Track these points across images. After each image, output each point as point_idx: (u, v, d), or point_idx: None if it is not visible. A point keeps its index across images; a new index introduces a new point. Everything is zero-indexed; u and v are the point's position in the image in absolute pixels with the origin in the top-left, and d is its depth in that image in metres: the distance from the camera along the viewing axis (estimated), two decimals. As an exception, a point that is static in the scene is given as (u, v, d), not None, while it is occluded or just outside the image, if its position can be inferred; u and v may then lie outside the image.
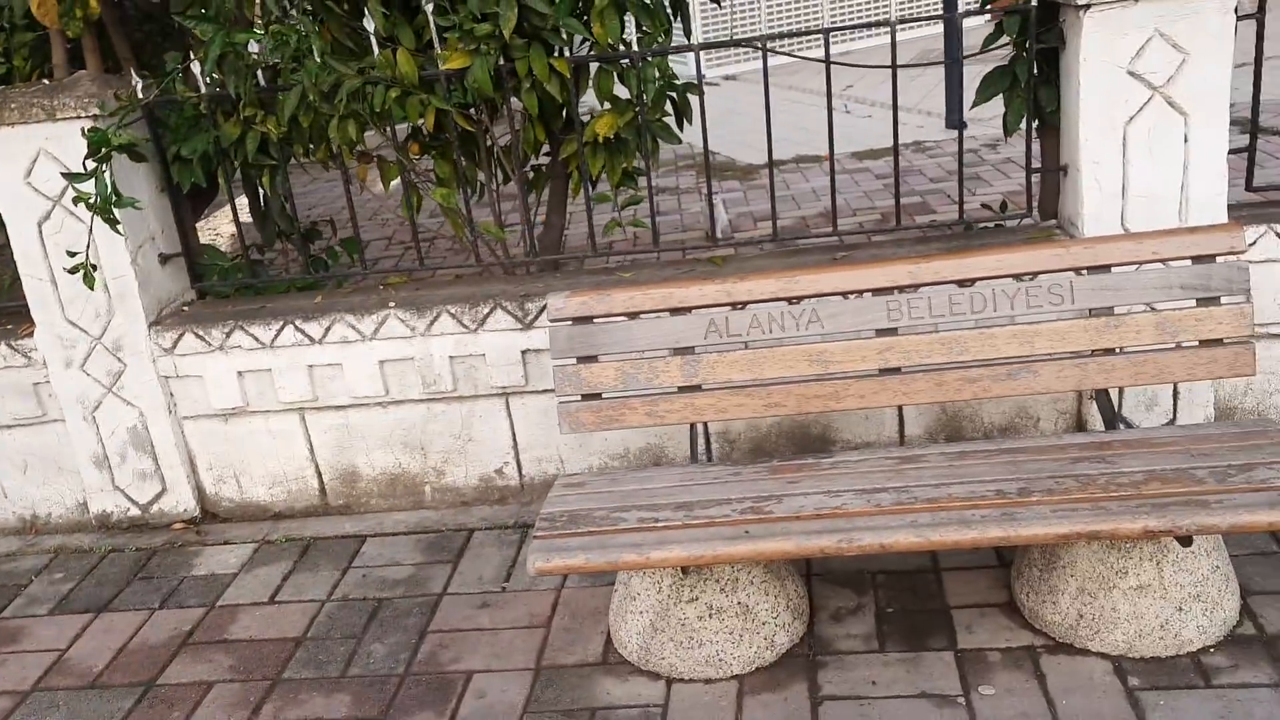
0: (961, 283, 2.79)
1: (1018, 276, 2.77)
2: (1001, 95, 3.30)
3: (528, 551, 2.51)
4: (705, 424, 3.08)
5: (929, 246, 3.41)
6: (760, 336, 2.82)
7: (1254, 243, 3.12)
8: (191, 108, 3.45)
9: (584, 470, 3.55)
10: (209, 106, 3.43)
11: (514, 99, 3.34)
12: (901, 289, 2.80)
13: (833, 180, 3.50)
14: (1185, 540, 2.44)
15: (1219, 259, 2.70)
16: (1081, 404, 3.34)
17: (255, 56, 3.27)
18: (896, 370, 2.81)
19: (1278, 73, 8.49)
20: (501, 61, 3.21)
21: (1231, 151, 3.06)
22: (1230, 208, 3.17)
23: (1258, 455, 2.49)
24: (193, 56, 3.32)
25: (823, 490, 2.56)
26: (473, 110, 3.50)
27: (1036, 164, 3.38)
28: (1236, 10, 2.92)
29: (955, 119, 7.70)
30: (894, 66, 3.19)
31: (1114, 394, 3.23)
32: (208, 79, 3.34)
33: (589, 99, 3.65)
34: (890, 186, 7.15)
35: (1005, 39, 3.19)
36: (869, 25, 3.24)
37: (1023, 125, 3.31)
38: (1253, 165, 3.23)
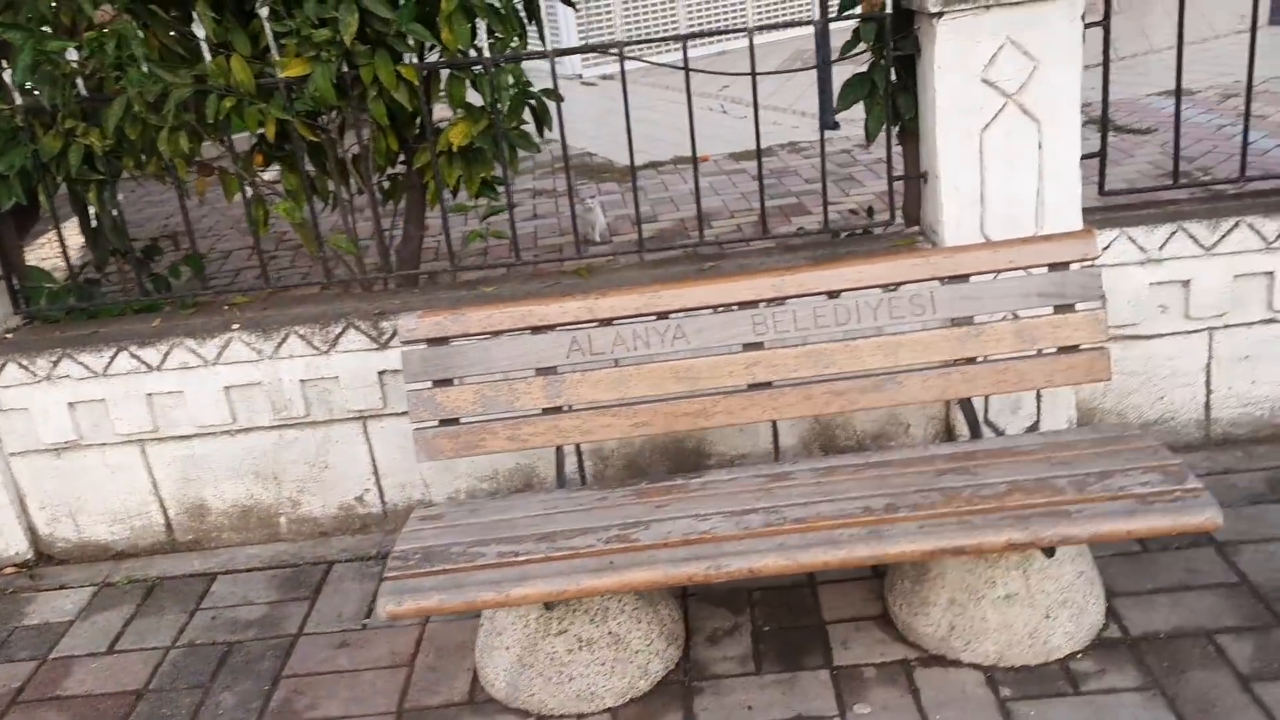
0: (826, 294, 2.74)
1: (881, 287, 2.74)
2: (863, 102, 3.28)
3: (379, 594, 2.35)
4: (577, 445, 2.97)
5: (796, 255, 3.37)
6: (625, 354, 2.73)
7: (1107, 247, 3.17)
8: (6, 121, 3.16)
9: (451, 494, 3.40)
10: (25, 119, 3.16)
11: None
12: (767, 302, 2.75)
13: (696, 187, 3.43)
14: (1049, 551, 2.44)
15: (1073, 266, 2.71)
16: (950, 409, 3.34)
17: (75, 65, 3.01)
18: (765, 385, 2.75)
19: (1128, 73, 8.86)
20: (346, 68, 3.03)
21: (1084, 157, 3.10)
22: (1085, 211, 3.21)
23: (1116, 462, 2.51)
24: (4, 65, 3.04)
25: (691, 514, 2.48)
26: (322, 118, 3.31)
27: (899, 170, 3.37)
28: (1084, 18, 2.95)
29: (827, 120, 7.78)
30: (753, 74, 3.13)
31: (979, 400, 3.24)
32: (21, 89, 3.06)
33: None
34: (768, 187, 7.15)
35: (863, 46, 3.17)
36: (727, 32, 3.19)
37: (885, 131, 3.29)
38: (1104, 169, 3.28)
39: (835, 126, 7.90)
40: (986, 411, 3.29)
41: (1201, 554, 2.91)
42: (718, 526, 2.41)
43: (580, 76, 11.13)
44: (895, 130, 3.32)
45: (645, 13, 12.10)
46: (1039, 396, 3.29)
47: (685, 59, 3.15)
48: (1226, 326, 3.26)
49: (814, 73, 9.11)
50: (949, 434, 3.37)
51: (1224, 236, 3.15)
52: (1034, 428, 3.30)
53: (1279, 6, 9.85)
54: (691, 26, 11.99)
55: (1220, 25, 10.15)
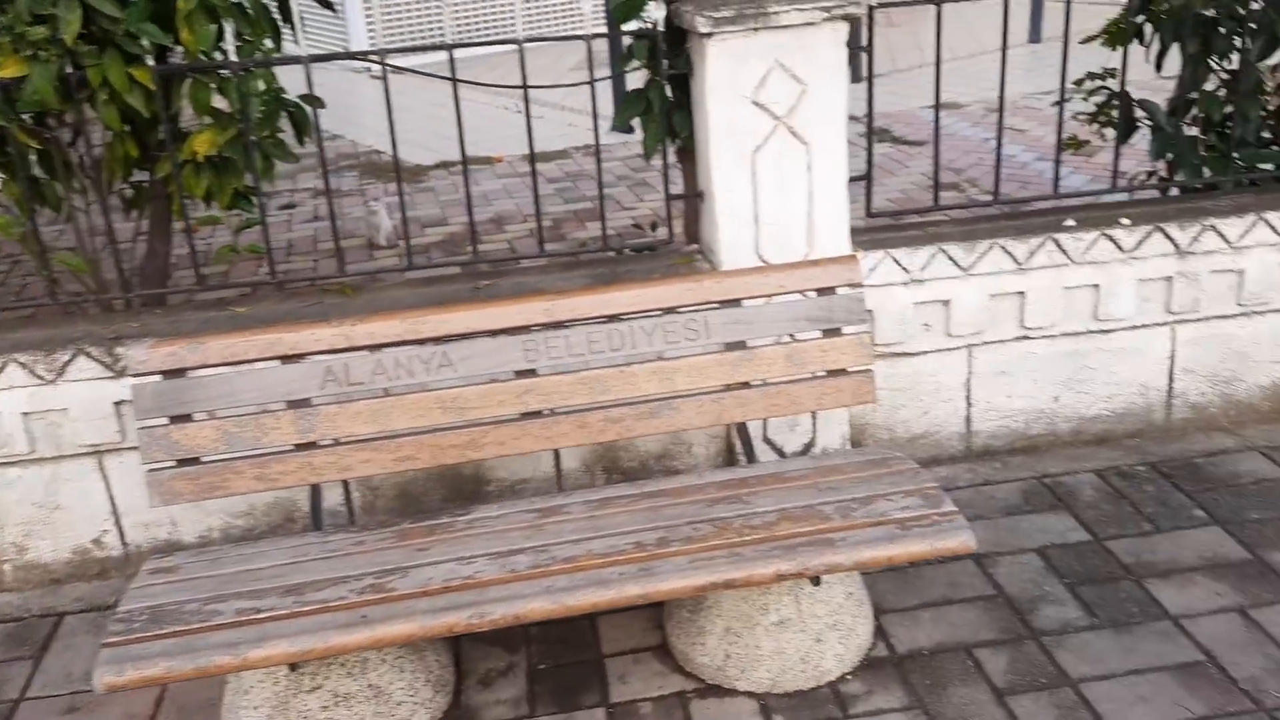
0: (600, 319, 2.67)
1: (656, 311, 2.69)
2: (640, 118, 3.23)
3: (96, 664, 2.10)
4: (344, 480, 2.78)
5: (575, 274, 3.28)
6: (387, 383, 2.56)
7: (874, 268, 3.24)
8: None
9: (202, 534, 3.13)
10: None
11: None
12: (540, 327, 2.64)
13: (469, 203, 3.29)
14: (815, 579, 2.45)
15: (839, 290, 2.75)
16: (731, 429, 3.35)
17: None
18: (538, 414, 2.65)
19: (904, 85, 9.29)
20: (73, 68, 2.72)
21: (852, 179, 3.16)
22: (854, 232, 3.28)
23: (878, 487, 2.55)
24: None
25: (455, 557, 2.35)
26: (50, 121, 2.97)
27: (678, 188, 3.34)
28: (849, 43, 3.00)
29: (618, 125, 7.78)
30: (524, 87, 3.02)
31: (758, 419, 3.25)
32: None
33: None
34: (563, 191, 7.08)
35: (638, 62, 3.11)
36: (496, 43, 3.07)
37: (668, 148, 3.26)
38: (870, 193, 3.36)
39: (629, 130, 7.89)
40: (766, 430, 3.31)
41: (962, 567, 3.01)
42: (483, 570, 2.29)
43: (369, 70, 10.72)
44: (675, 147, 3.29)
45: (408, 14, 11.78)
46: (815, 415, 3.33)
47: (452, 69, 3.00)
48: (984, 343, 3.40)
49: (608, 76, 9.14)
50: (730, 452, 3.38)
51: (980, 258, 3.28)
52: (810, 444, 3.35)
53: (1037, 25, 10.60)
54: (459, 30, 11.80)
55: (987, 41, 10.80)
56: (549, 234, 6.08)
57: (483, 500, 3.19)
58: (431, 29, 11.92)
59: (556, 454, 3.26)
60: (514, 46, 2.96)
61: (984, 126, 7.91)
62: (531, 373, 2.63)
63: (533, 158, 3.21)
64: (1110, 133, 4.01)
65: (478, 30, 12.11)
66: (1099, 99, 4.10)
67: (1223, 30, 3.72)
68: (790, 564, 2.30)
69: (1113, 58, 3.68)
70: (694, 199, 3.30)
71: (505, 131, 8.39)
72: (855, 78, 8.99)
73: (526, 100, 3.05)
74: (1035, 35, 10.51)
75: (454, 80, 2.97)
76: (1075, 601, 2.83)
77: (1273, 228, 3.33)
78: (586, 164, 7.58)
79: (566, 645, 2.79)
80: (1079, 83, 4.16)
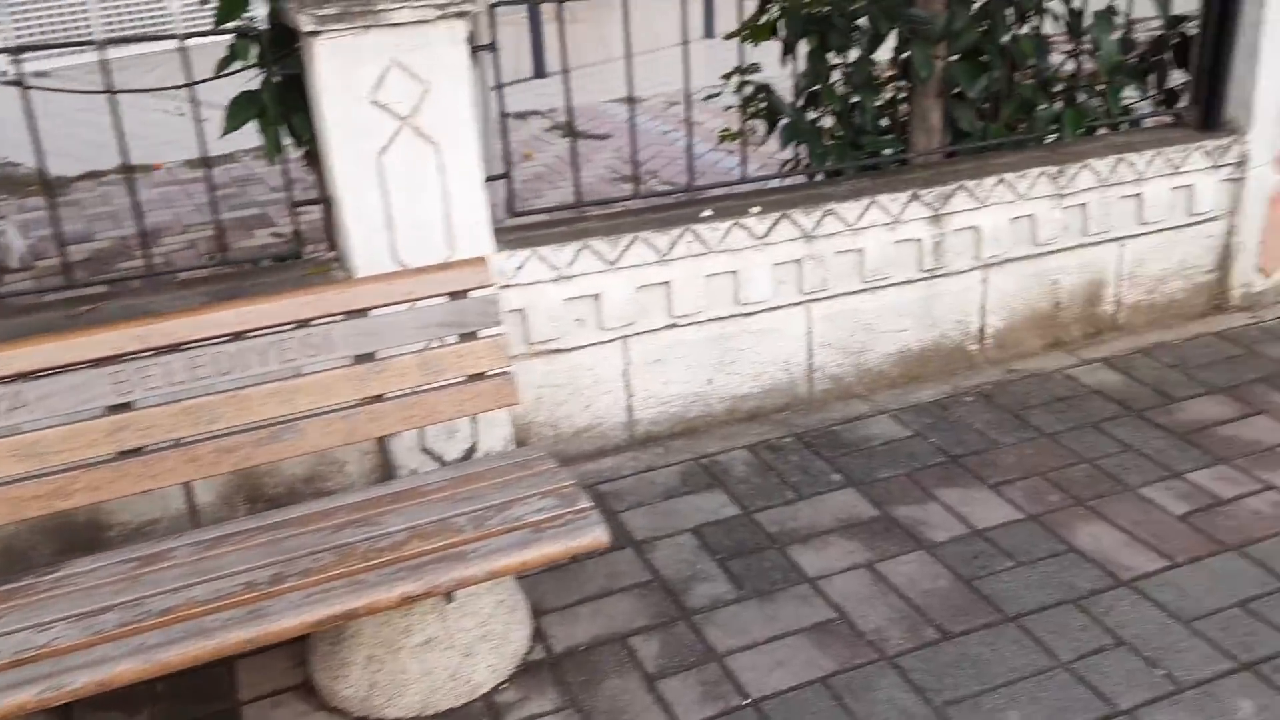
0: (204, 341, 2.45)
1: (270, 329, 2.51)
2: (257, 122, 3.02)
3: None
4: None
5: (195, 292, 3.03)
6: (-56, 435, 2.23)
7: (521, 266, 3.21)
8: None
9: None
10: None
11: None
12: (132, 356, 2.39)
13: (55, 214, 2.95)
14: (448, 596, 2.38)
15: (472, 294, 2.68)
16: (383, 443, 3.21)
17: None
18: (137, 451, 2.40)
19: (591, 80, 9.39)
20: None
21: (490, 178, 3.10)
22: (501, 231, 3.23)
23: (516, 491, 2.51)
24: None
25: (30, 624, 2.08)
26: None
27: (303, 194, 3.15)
28: (470, 41, 2.93)
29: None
30: (111, 92, 2.74)
31: (415, 431, 3.13)
32: None
33: None
34: (229, 198, 6.63)
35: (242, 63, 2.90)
36: (72, 45, 2.77)
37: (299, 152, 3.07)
38: (512, 191, 3.32)
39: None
40: (424, 440, 3.20)
41: (622, 556, 3.03)
42: (62, 636, 2.03)
43: (5, 74, 9.64)
44: (302, 151, 3.11)
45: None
46: (475, 420, 3.26)
47: (21, 76, 2.66)
48: (637, 334, 3.45)
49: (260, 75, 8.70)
50: (385, 468, 3.24)
51: (624, 251, 3.32)
52: (472, 450, 3.27)
53: (710, 22, 11.07)
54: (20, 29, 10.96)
55: (664, 38, 11.19)
56: (211, 244, 5.67)
57: (105, 548, 2.87)
58: (74, 27, 10.89)
59: (188, 489, 3.00)
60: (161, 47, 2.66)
61: (664, 120, 8.17)
62: (126, 407, 2.37)
63: (129, 168, 2.92)
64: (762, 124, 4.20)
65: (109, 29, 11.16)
66: (747, 93, 4.28)
67: (837, 26, 3.98)
68: (417, 584, 2.21)
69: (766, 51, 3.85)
70: (327, 204, 3.13)
71: (165, 136, 7.76)
72: (538, 73, 9.04)
73: (114, 106, 2.76)
74: (709, 31, 10.98)
75: (23, 86, 2.64)
76: (725, 576, 2.92)
77: (884, 209, 3.58)
78: (256, 167, 7.14)
79: (198, 696, 2.56)
80: (727, 77, 4.33)
